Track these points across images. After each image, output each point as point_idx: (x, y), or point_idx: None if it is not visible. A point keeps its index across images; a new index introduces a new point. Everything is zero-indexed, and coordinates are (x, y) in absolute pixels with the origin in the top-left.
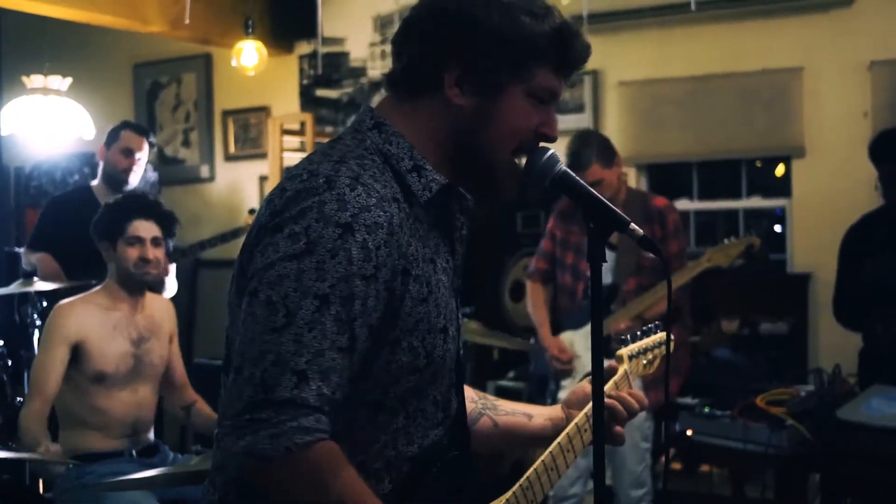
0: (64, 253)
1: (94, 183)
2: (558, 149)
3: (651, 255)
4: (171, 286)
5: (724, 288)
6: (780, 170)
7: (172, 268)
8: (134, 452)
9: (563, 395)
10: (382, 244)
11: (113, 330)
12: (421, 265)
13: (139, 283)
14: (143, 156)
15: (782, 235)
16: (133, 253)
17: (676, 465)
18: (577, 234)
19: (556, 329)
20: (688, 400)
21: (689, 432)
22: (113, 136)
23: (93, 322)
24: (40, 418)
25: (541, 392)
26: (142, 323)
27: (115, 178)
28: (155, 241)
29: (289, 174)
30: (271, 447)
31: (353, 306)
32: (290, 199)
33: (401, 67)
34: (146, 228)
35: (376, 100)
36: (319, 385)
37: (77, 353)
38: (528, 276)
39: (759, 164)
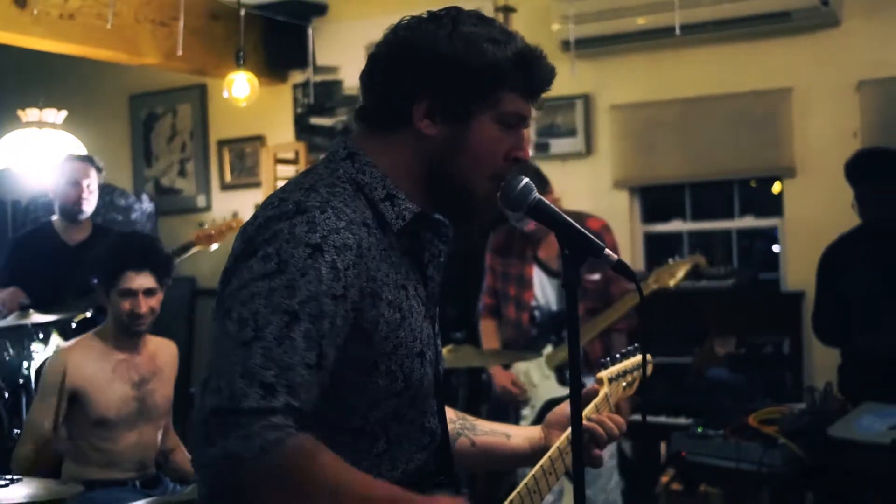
0: (31, 289)
1: (54, 218)
2: (560, 172)
3: (594, 277)
4: None
5: (717, 308)
6: (776, 187)
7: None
8: (137, 483)
9: (524, 424)
10: (351, 265)
11: (112, 374)
12: (392, 290)
13: (133, 332)
14: (91, 182)
15: (774, 255)
16: (125, 306)
17: (676, 486)
18: (517, 265)
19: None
20: (682, 420)
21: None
22: (59, 171)
23: (91, 368)
24: (30, 463)
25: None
26: (143, 364)
27: (69, 210)
28: (148, 293)
29: (263, 203)
30: (244, 448)
31: (323, 324)
32: (261, 225)
33: (370, 102)
34: (139, 281)
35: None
36: (287, 398)
37: (77, 401)
38: (479, 314)
39: (754, 184)
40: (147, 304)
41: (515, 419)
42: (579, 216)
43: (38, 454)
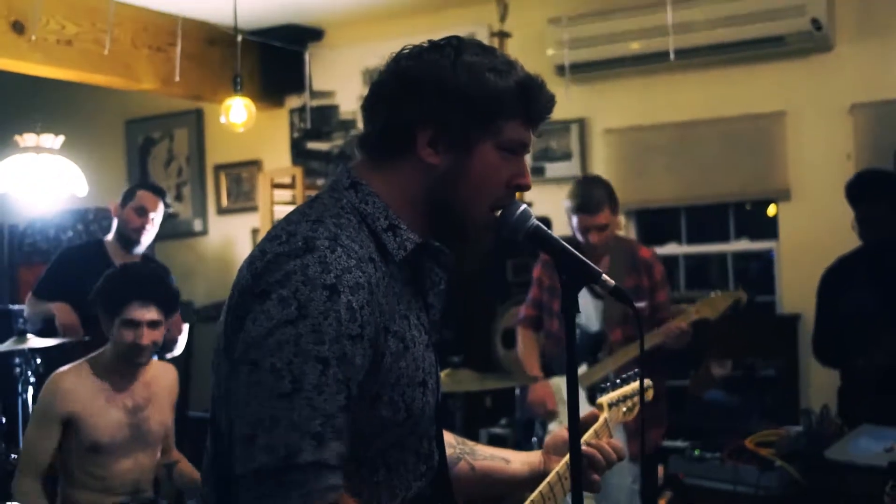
0: (72, 304)
1: (108, 238)
2: (555, 196)
3: (640, 305)
4: (180, 346)
5: (714, 331)
6: (771, 209)
7: (185, 328)
8: None
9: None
10: (365, 304)
11: (106, 402)
12: (398, 321)
13: (133, 364)
14: (156, 216)
15: (771, 277)
16: (128, 336)
17: None
18: None
19: (545, 374)
20: (679, 443)
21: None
22: (129, 195)
23: (85, 394)
24: (30, 492)
25: (527, 437)
26: (139, 390)
27: (127, 237)
28: (152, 325)
29: (268, 235)
30: None
31: (347, 366)
32: (270, 262)
33: (374, 131)
34: (143, 313)
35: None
36: (336, 443)
37: (70, 426)
38: (519, 323)
39: (749, 207)
40: (150, 337)
41: (542, 432)
42: (631, 244)
43: (33, 489)
